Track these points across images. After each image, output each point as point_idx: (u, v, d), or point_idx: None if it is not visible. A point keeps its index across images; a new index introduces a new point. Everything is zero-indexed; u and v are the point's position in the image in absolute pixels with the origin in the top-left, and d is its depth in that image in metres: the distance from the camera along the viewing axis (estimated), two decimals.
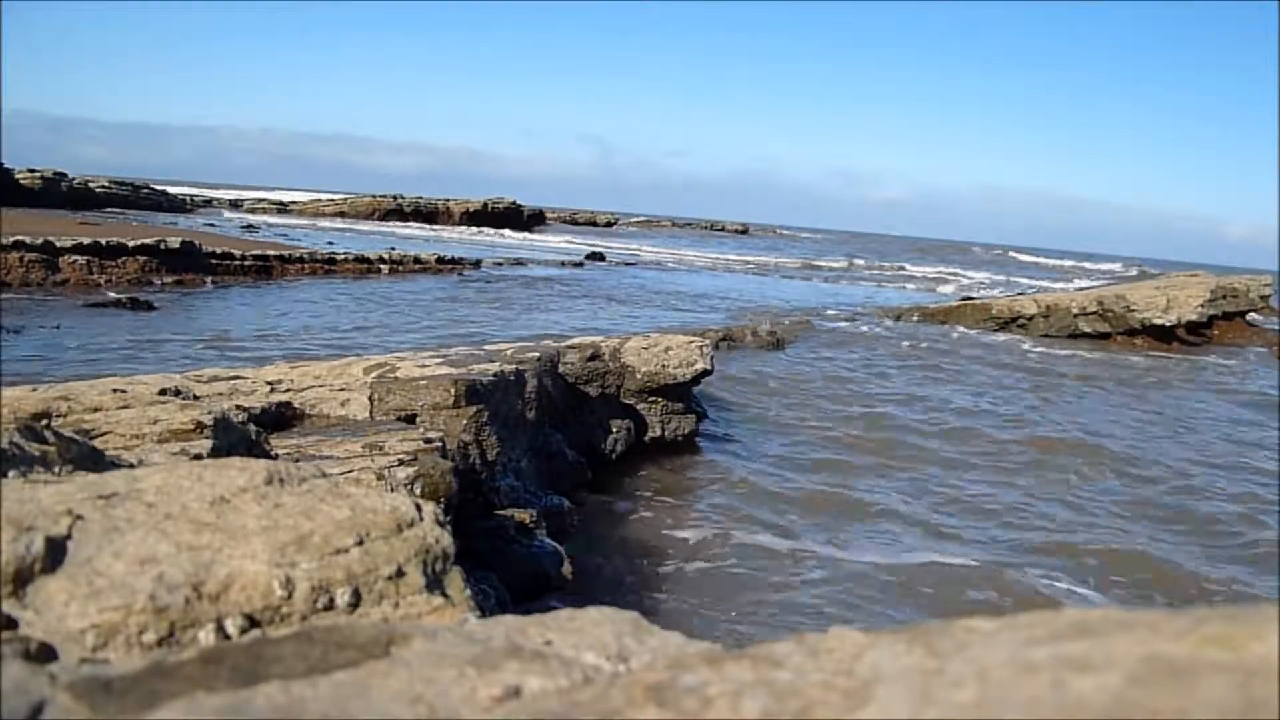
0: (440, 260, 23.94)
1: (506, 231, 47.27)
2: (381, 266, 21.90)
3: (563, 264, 28.79)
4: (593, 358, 7.32)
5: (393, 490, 2.80)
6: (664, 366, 7.49)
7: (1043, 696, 0.64)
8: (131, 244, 16.63)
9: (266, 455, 3.37)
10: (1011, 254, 71.56)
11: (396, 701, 0.87)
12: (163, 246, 17.01)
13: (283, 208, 53.04)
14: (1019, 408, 11.07)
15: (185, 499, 1.51)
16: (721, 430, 8.68)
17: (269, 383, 5.19)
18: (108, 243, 16.44)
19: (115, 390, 3.86)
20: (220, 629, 1.29)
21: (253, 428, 3.66)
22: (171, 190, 49.36)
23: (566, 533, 5.53)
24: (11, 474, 1.71)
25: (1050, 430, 9.86)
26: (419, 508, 1.56)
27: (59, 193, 36.02)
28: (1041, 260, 63.56)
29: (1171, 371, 14.98)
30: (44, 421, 2.94)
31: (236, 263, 18.46)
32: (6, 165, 34.46)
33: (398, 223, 47.16)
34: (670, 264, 33.24)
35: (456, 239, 37.04)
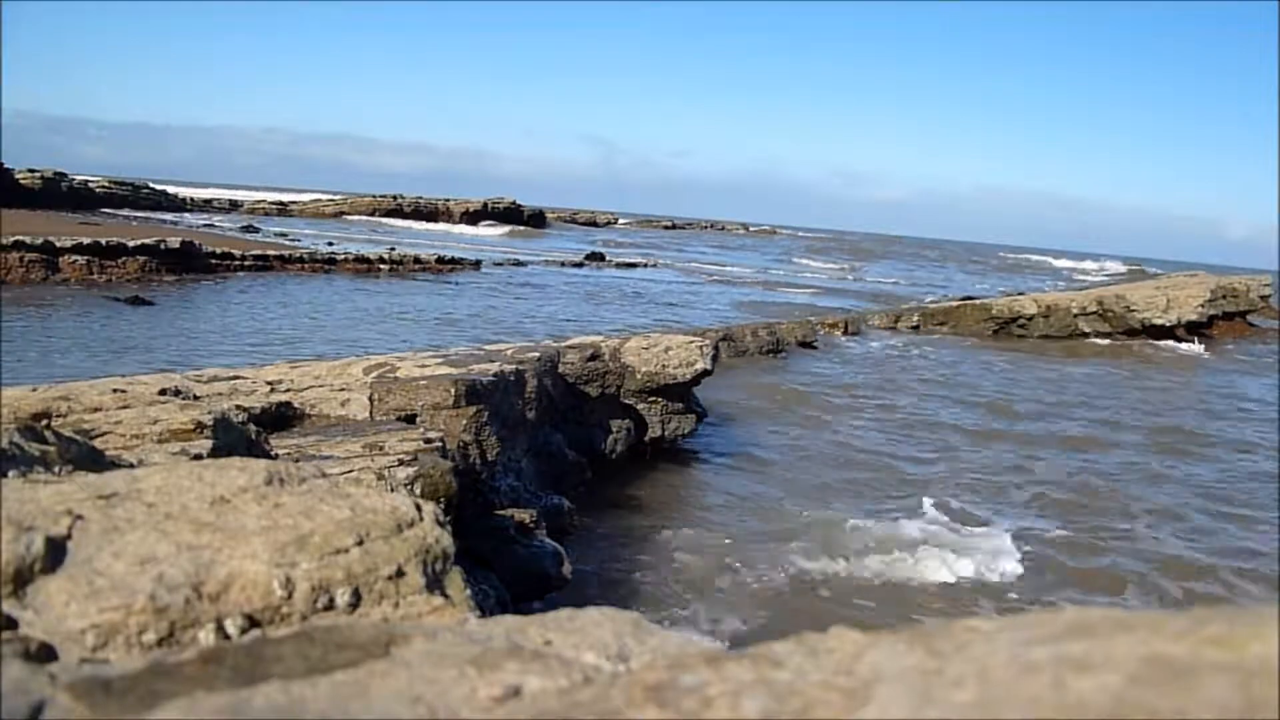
0: (440, 260, 23.96)
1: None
2: (381, 266, 21.90)
3: (563, 264, 28.83)
4: (593, 358, 7.32)
5: (393, 490, 2.80)
6: (664, 366, 7.49)
7: (1043, 696, 0.64)
8: (131, 244, 16.65)
9: (266, 455, 3.37)
10: (1000, 254, 71.75)
11: (396, 701, 0.87)
12: (163, 246, 17.03)
13: (283, 208, 52.86)
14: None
15: (185, 499, 1.51)
16: (722, 430, 8.68)
17: (269, 383, 5.19)
18: (108, 243, 16.45)
19: (115, 390, 3.86)
20: (220, 629, 1.29)
21: (253, 428, 3.66)
22: (171, 190, 49.25)
23: (566, 533, 5.53)
24: (11, 474, 1.71)
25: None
26: (419, 508, 1.56)
27: (59, 193, 36.00)
28: (1027, 257, 63.64)
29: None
30: (44, 421, 2.94)
31: (236, 263, 18.47)
32: (6, 165, 34.43)
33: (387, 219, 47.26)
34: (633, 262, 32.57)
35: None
